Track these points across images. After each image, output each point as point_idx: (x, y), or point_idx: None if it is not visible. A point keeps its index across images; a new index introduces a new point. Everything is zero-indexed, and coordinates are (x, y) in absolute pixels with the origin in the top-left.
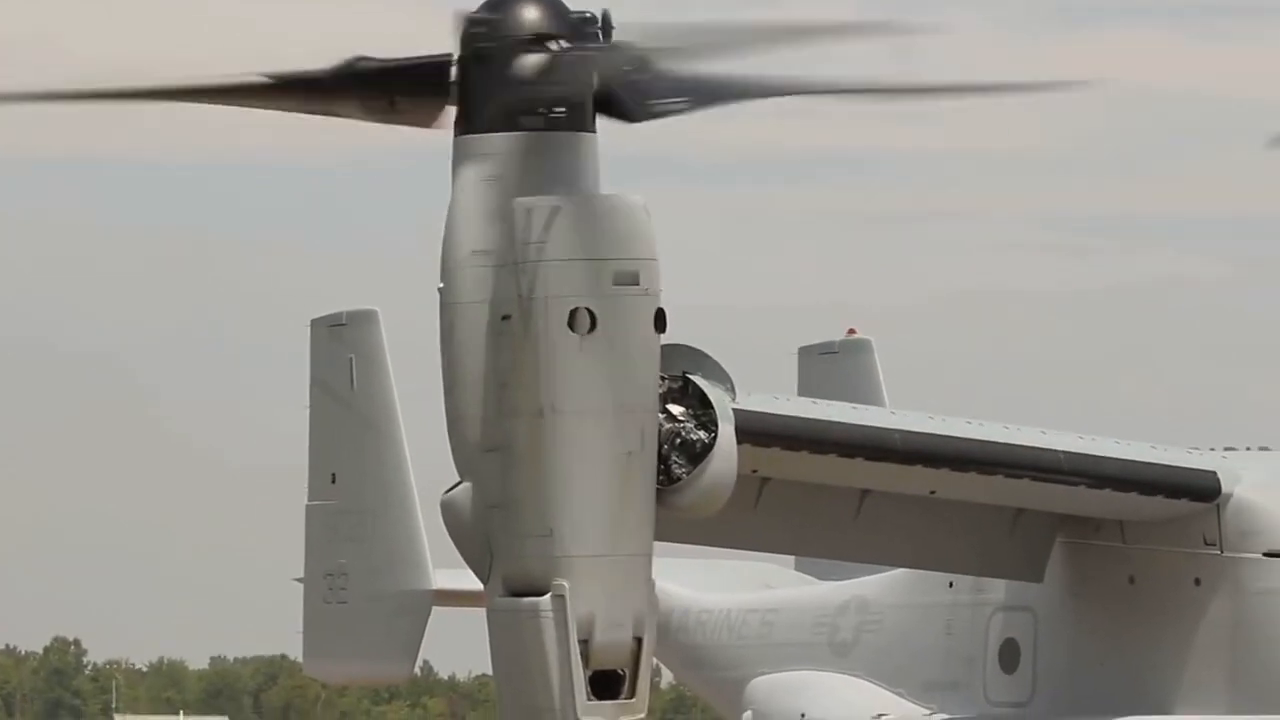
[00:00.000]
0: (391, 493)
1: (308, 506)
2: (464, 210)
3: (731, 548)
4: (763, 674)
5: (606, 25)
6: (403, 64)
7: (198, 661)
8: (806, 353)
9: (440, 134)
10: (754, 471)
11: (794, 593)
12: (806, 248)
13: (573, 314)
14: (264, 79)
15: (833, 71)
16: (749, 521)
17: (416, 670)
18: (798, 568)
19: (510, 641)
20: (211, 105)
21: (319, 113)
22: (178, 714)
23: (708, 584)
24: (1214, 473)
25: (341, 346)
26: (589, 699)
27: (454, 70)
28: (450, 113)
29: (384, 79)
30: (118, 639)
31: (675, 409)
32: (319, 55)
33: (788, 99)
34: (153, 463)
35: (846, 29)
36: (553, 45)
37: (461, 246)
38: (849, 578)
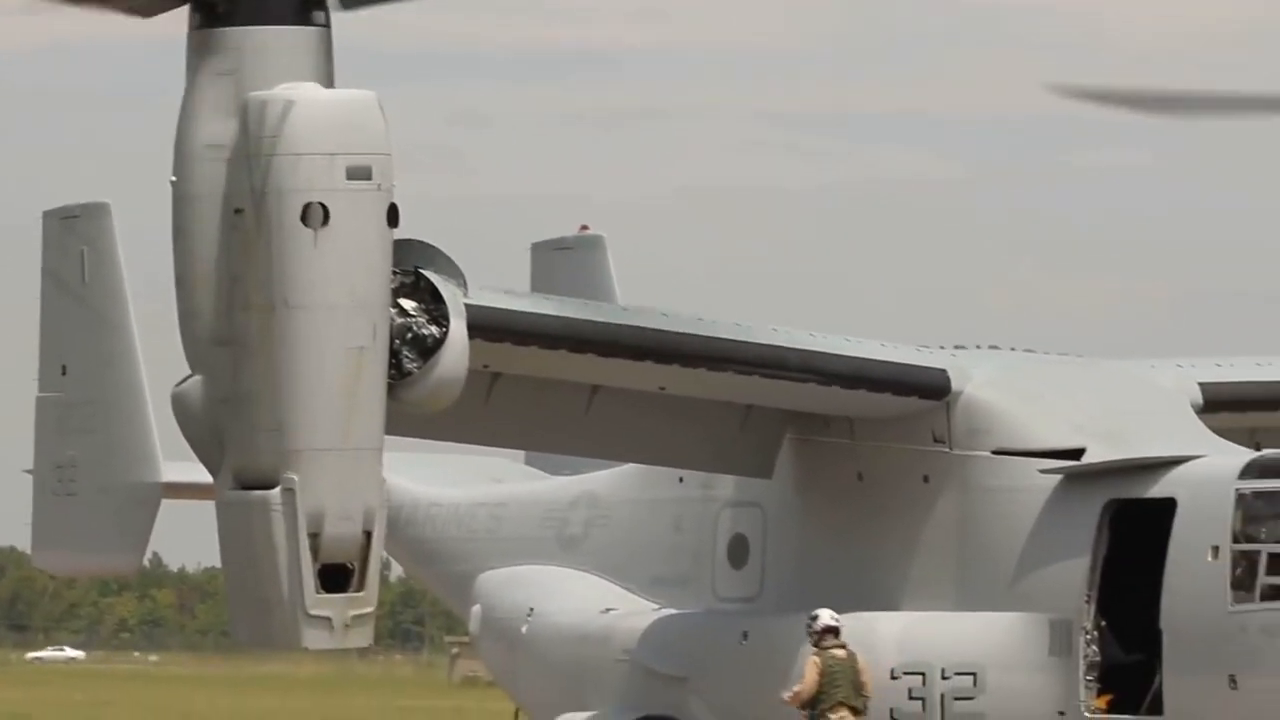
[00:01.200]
0: (122, 385)
1: (38, 398)
2: (198, 103)
3: (462, 442)
4: (492, 568)
5: None
6: None
7: None
8: (539, 248)
9: (173, 26)
10: (485, 367)
11: (524, 487)
12: (540, 144)
13: (305, 209)
14: None
15: None
16: (480, 416)
17: (145, 562)
18: (528, 462)
19: (239, 534)
20: None
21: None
22: None
23: (437, 478)
24: (944, 371)
25: (73, 239)
26: (318, 592)
27: None
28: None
29: None
30: None
31: (407, 304)
32: None
33: None
34: None
35: None
36: None
37: (195, 140)
38: (579, 473)
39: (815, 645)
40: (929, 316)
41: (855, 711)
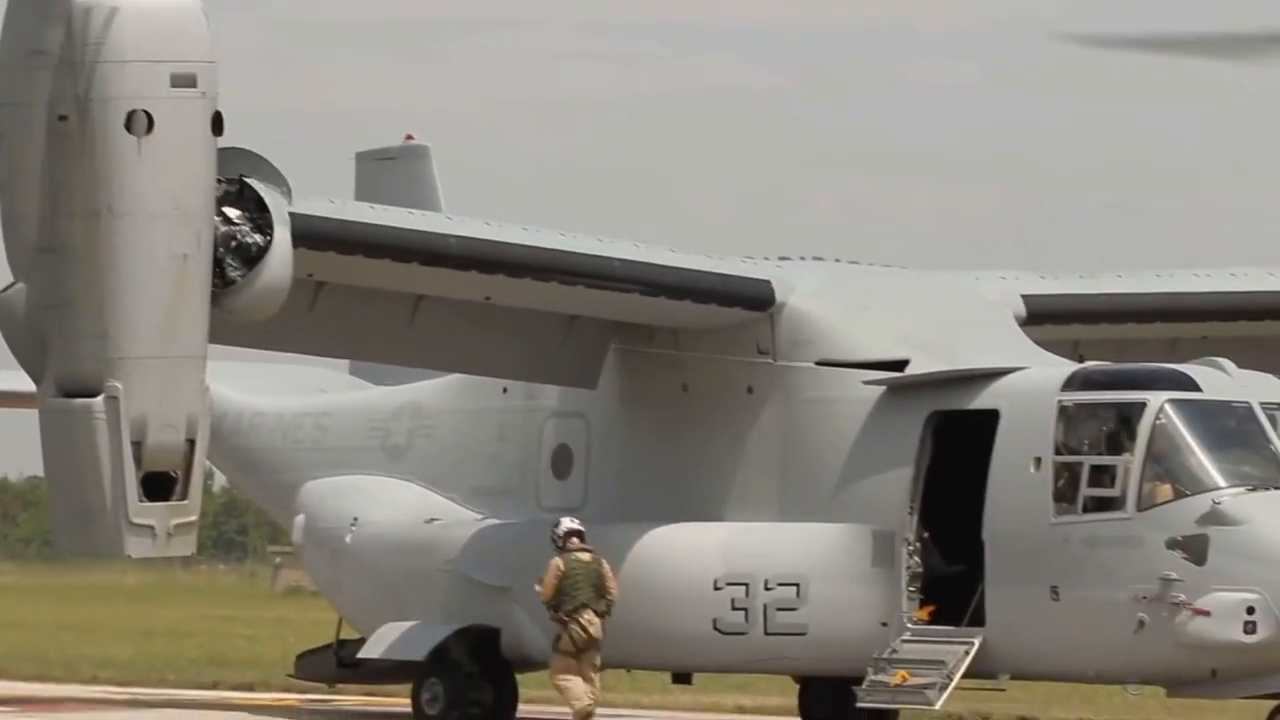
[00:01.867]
0: None
1: None
2: (22, 9)
3: (286, 351)
4: (316, 478)
5: None
6: None
7: None
8: (364, 158)
9: None
10: (309, 276)
11: (348, 397)
12: (365, 53)
13: (129, 116)
14: None
15: None
16: (304, 326)
17: None
18: (352, 372)
19: (63, 442)
20: None
21: None
22: None
23: (262, 388)
24: (768, 282)
25: None
26: (141, 501)
27: None
28: None
29: None
30: None
31: (231, 212)
32: None
33: None
34: None
35: None
36: None
37: (18, 47)
38: (404, 383)
39: (560, 549)
40: (754, 228)
41: (598, 614)
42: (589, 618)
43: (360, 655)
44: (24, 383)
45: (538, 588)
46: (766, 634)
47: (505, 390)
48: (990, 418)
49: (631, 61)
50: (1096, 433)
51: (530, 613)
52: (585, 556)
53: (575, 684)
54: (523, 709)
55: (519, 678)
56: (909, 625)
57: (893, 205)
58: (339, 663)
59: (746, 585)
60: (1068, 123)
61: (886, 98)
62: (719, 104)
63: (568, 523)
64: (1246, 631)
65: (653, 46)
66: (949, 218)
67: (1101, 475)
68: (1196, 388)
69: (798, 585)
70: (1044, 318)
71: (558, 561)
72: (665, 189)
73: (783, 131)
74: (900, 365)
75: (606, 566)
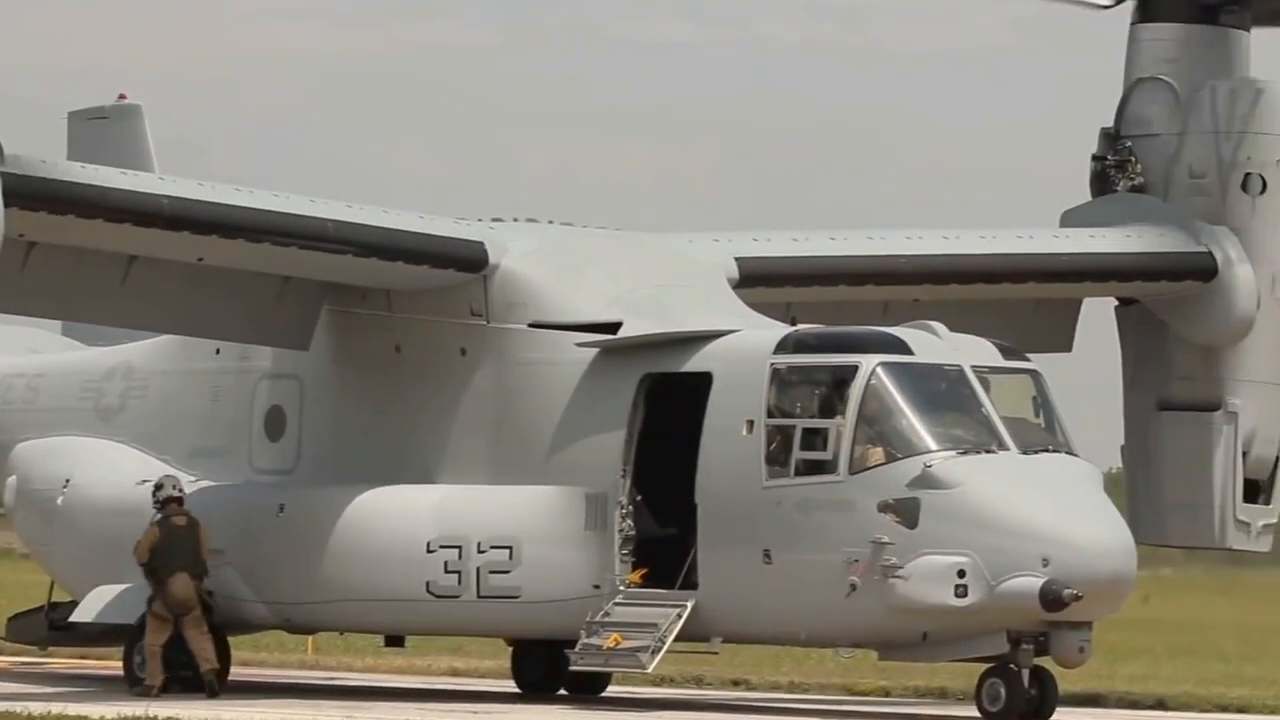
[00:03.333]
0: None
1: None
2: None
3: None
4: (28, 439)
5: None
6: None
7: None
8: (76, 117)
9: None
10: (21, 236)
11: (61, 358)
12: (78, 8)
13: None
14: None
15: None
16: (15, 286)
17: None
18: (65, 333)
19: None
20: None
21: None
22: None
23: None
24: (481, 243)
25: None
26: None
27: None
28: None
29: None
30: None
31: None
32: None
33: None
34: None
35: None
36: None
37: None
38: (117, 343)
39: (160, 512)
40: (469, 189)
41: (194, 575)
42: (184, 580)
43: (72, 618)
44: None
45: (135, 552)
46: (479, 596)
47: (218, 351)
48: (703, 380)
49: (342, 19)
50: (808, 396)
51: (243, 575)
52: (181, 521)
53: (155, 664)
54: (235, 671)
55: (230, 640)
56: (621, 588)
57: (607, 166)
58: (51, 625)
59: (459, 548)
60: (785, 84)
61: (601, 56)
62: (429, 62)
63: (169, 489)
64: (957, 595)
65: (363, 3)
66: (663, 179)
67: (813, 438)
68: (908, 350)
69: (510, 548)
70: (757, 280)
71: (155, 527)
72: (379, 149)
73: (495, 90)
74: (613, 328)
75: (203, 531)
